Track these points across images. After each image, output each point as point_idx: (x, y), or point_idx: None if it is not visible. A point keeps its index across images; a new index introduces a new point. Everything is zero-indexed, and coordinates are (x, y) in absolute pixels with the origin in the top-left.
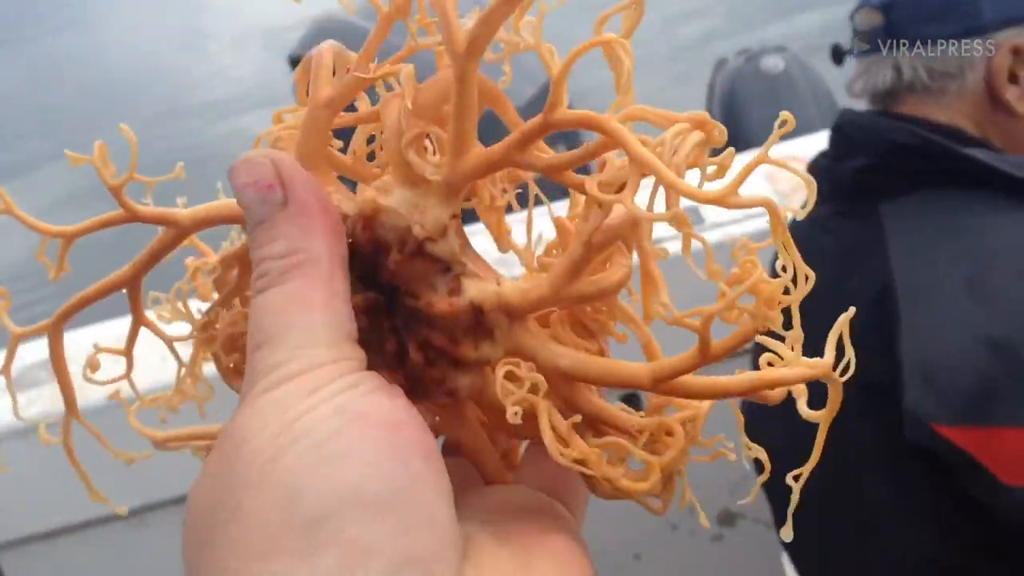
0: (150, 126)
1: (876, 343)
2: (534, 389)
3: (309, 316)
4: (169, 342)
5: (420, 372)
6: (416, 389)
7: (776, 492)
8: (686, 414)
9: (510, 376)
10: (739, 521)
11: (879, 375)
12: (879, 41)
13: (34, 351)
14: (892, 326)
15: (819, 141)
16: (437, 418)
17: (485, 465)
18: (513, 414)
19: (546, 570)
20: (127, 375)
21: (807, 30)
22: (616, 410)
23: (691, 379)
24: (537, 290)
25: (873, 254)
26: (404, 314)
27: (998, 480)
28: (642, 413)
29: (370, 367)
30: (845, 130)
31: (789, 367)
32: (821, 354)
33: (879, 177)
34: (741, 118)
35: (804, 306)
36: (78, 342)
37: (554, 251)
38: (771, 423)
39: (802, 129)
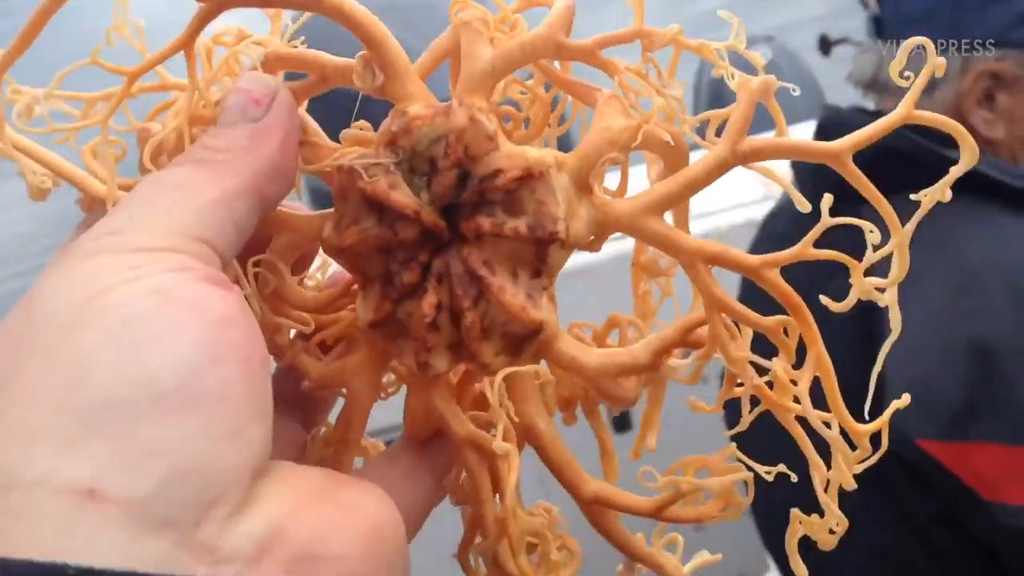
0: None
1: (861, 353)
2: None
3: (183, 203)
4: None
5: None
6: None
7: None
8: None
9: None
10: None
11: (865, 386)
12: (873, 29)
13: None
14: (874, 331)
15: (804, 132)
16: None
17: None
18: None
19: (354, 495)
20: None
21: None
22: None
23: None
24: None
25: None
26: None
27: (978, 496)
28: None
29: (363, 286)
30: (829, 130)
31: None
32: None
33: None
34: (726, 107)
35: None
36: None
37: None
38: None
39: (787, 120)
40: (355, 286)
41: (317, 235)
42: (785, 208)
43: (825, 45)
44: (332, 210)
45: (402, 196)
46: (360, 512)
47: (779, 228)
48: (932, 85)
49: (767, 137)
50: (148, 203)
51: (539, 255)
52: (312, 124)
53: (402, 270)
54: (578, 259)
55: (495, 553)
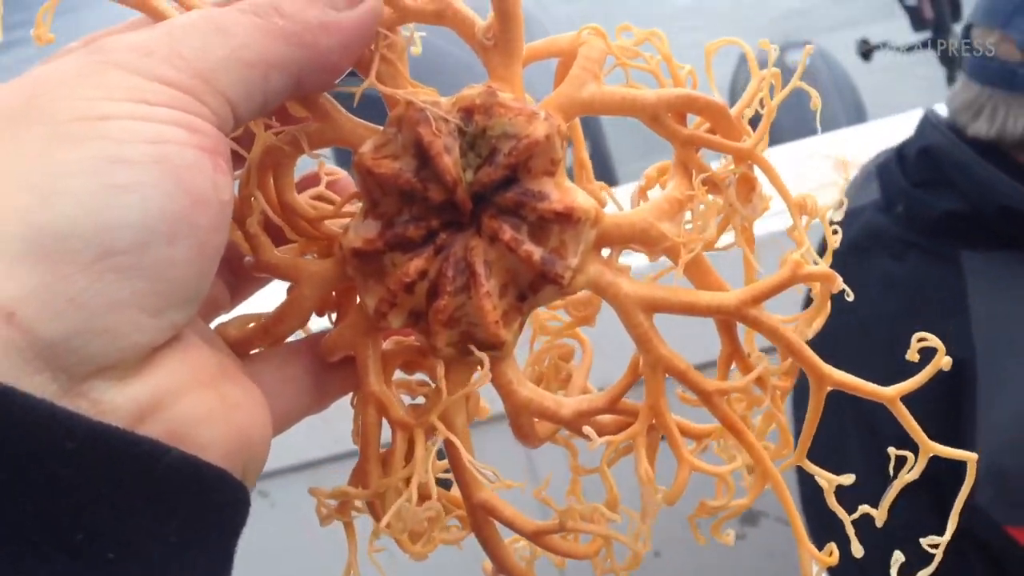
0: None
1: (942, 419)
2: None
3: (223, 52)
4: None
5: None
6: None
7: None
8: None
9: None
10: (762, 520)
11: (945, 463)
12: (1011, 79)
13: None
14: (964, 406)
15: (843, 137)
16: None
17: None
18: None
19: (238, 393)
20: None
21: None
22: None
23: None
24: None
25: (950, 311)
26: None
27: None
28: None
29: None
30: (940, 162)
31: None
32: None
33: (970, 225)
34: (763, 114)
35: (855, 325)
36: None
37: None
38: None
39: (826, 125)
40: (350, 205)
41: (353, 142)
42: (862, 212)
43: (866, 51)
44: (378, 129)
45: (451, 163)
46: (236, 412)
47: (850, 232)
48: None
49: (776, 319)
50: (189, 36)
51: (534, 286)
52: (401, 44)
53: (411, 223)
54: None
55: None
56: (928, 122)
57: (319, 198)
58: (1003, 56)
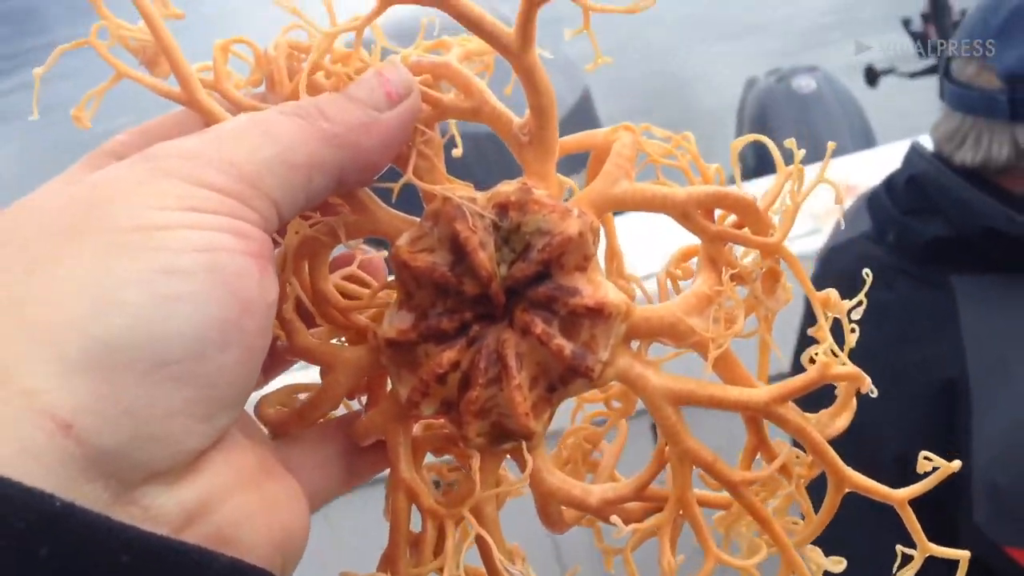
0: None
1: (937, 439)
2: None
3: (269, 155)
4: None
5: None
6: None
7: None
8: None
9: None
10: None
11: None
12: (1004, 109)
13: None
14: (958, 427)
15: (851, 163)
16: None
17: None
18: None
19: (278, 491)
20: None
21: None
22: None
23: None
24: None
25: (942, 335)
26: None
27: None
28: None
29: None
30: (927, 190)
31: None
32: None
33: (958, 249)
34: (771, 138)
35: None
36: None
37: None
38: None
39: (834, 151)
40: (383, 294)
41: (390, 233)
42: (854, 243)
43: (872, 76)
44: (414, 220)
45: (486, 259)
46: (277, 510)
47: (842, 264)
48: None
49: (802, 418)
50: (237, 141)
51: (565, 378)
52: (437, 140)
53: (444, 315)
54: None
55: None
56: (915, 152)
57: (350, 278)
58: (982, 85)
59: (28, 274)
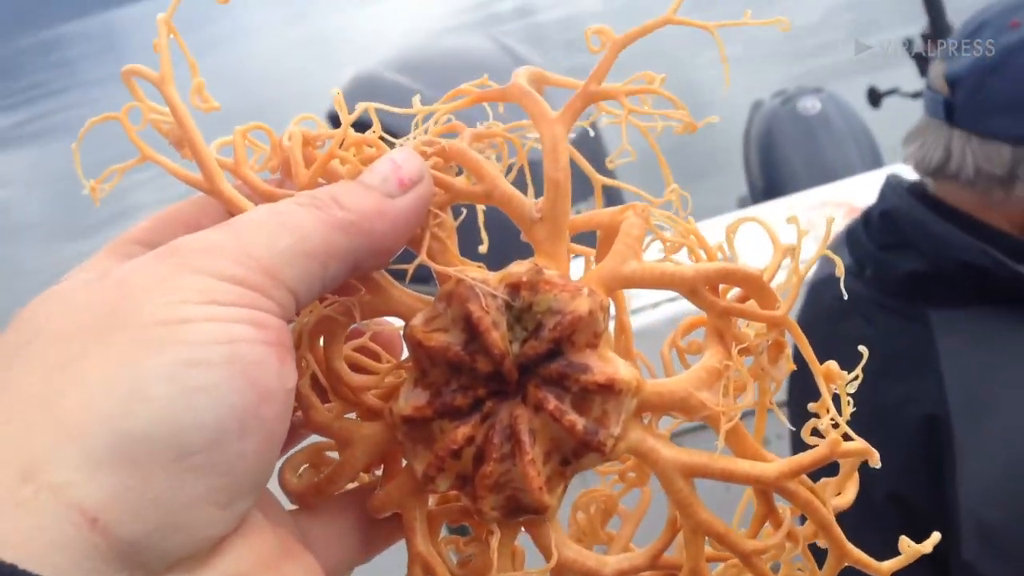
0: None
1: (923, 477)
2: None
3: (286, 245)
4: None
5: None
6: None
7: None
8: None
9: None
10: None
11: (926, 512)
12: (941, 110)
13: None
14: (943, 463)
15: (858, 184)
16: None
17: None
18: None
19: (297, 572)
20: None
21: None
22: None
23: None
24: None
25: (923, 371)
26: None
27: None
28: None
29: (416, 382)
30: (900, 224)
31: None
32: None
33: (934, 284)
34: (778, 160)
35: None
36: None
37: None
38: None
39: (841, 172)
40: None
41: (404, 313)
42: (837, 277)
43: (874, 97)
44: (428, 300)
45: (499, 338)
46: None
47: (827, 300)
48: (1011, 178)
49: (810, 493)
50: (255, 234)
51: (577, 453)
52: (449, 223)
53: (458, 392)
54: None
55: None
56: (888, 186)
57: (361, 350)
58: (936, 87)
59: (57, 370)
